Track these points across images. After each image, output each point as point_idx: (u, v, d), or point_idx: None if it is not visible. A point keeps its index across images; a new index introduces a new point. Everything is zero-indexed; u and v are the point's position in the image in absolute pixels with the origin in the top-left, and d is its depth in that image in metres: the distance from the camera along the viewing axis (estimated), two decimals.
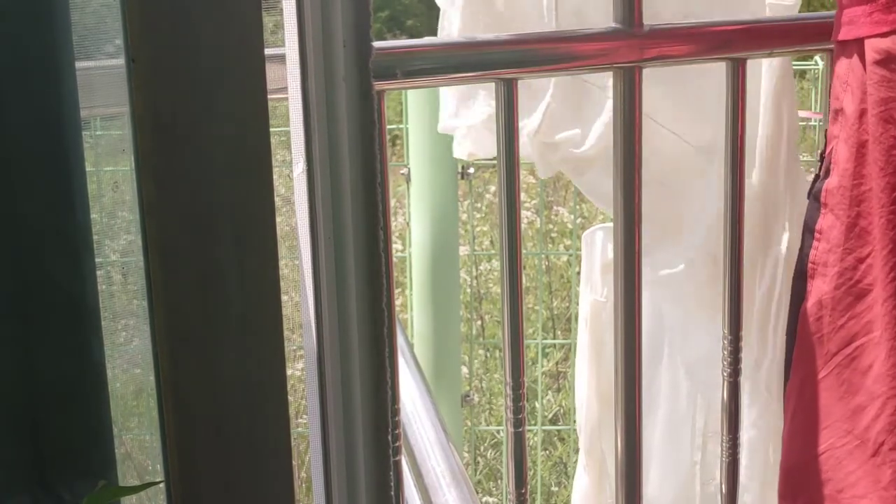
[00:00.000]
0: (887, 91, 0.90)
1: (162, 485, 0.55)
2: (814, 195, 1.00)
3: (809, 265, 0.99)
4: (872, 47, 0.91)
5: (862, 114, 0.92)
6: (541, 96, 1.43)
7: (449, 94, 1.48)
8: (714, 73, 1.14)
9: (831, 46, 0.99)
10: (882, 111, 0.90)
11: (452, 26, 1.42)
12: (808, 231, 1.00)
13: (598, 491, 1.79)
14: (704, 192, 1.37)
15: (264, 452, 0.56)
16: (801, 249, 1.01)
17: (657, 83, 1.23)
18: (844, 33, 0.93)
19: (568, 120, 1.43)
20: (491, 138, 1.47)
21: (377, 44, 0.67)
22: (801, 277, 1.01)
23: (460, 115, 1.48)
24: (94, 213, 0.55)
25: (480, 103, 1.46)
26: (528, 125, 1.44)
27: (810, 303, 0.99)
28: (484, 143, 1.50)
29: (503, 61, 0.94)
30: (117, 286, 0.64)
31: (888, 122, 0.90)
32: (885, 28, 0.89)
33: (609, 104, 1.34)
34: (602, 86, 1.36)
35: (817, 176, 1.00)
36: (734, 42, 1.03)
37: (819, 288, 0.98)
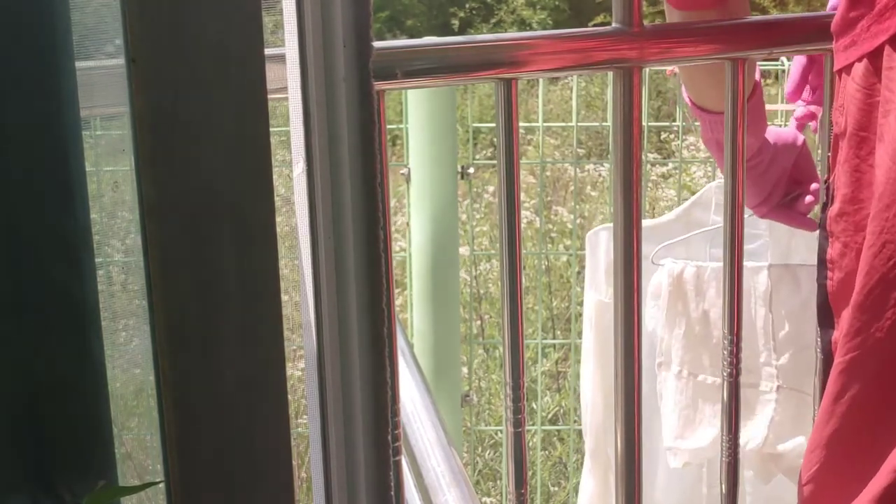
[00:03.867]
0: (862, 115, 0.92)
1: (162, 485, 0.55)
2: (821, 226, 1.01)
3: (830, 296, 1.00)
4: (852, 74, 0.94)
5: (851, 137, 0.94)
6: (761, 412, 1.51)
7: (672, 415, 1.57)
8: None
9: (831, 46, 1.00)
10: (858, 131, 0.92)
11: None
12: (821, 262, 1.01)
13: (604, 494, 1.79)
14: None
15: (264, 452, 0.56)
16: (818, 281, 1.02)
17: None
18: (836, 65, 0.97)
19: (789, 431, 1.50)
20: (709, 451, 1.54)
21: (377, 44, 0.67)
22: (824, 309, 1.02)
23: (686, 438, 1.56)
24: (94, 213, 0.55)
25: (706, 426, 1.54)
26: (752, 440, 1.51)
27: (837, 333, 1.00)
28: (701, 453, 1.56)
29: (503, 61, 0.94)
30: (117, 286, 0.64)
31: (862, 143, 0.92)
32: (857, 55, 0.93)
33: None
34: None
35: (824, 205, 1.00)
36: (734, 42, 1.03)
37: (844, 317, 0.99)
